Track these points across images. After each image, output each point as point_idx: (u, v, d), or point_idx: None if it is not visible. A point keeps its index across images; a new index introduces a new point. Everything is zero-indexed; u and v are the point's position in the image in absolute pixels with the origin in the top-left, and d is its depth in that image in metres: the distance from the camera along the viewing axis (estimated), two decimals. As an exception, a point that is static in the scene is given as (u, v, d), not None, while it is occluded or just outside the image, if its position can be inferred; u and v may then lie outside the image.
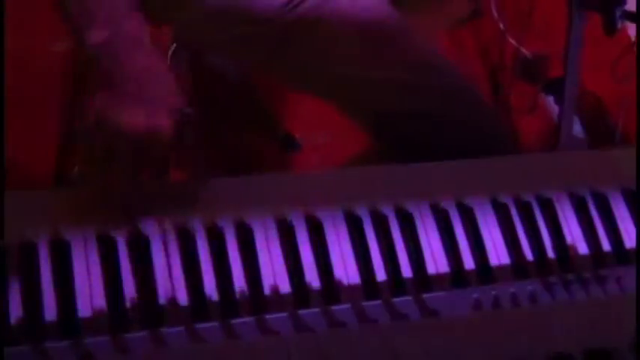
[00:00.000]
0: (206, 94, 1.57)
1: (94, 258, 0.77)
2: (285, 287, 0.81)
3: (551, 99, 1.84)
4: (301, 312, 0.78)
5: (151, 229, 0.79)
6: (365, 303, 0.80)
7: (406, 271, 0.84)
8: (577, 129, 1.87)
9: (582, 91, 1.89)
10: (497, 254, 0.88)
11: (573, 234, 0.91)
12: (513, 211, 0.90)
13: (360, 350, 0.77)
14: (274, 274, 0.81)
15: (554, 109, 1.79)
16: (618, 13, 1.52)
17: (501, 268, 0.87)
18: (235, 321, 0.76)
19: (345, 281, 0.82)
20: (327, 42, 1.03)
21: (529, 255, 0.89)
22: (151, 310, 0.76)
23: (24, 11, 1.54)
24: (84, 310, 0.75)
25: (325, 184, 0.87)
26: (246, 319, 0.77)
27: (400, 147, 1.04)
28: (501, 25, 1.96)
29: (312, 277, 0.82)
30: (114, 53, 0.80)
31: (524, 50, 1.96)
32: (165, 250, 0.79)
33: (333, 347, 0.77)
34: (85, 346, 0.72)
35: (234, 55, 1.18)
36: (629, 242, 0.92)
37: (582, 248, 0.91)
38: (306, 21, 1.02)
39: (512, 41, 1.96)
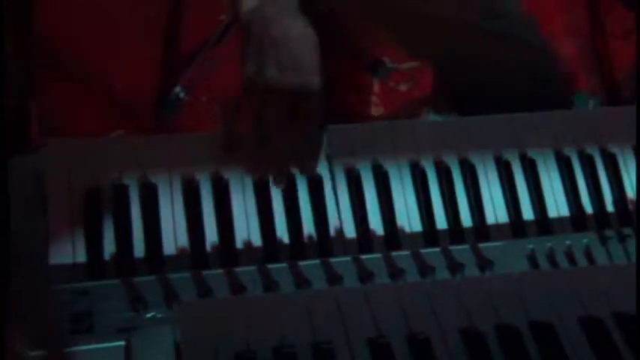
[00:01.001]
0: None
1: (179, 201, 0.85)
2: (350, 232, 0.87)
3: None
4: (364, 257, 0.85)
5: (230, 175, 0.87)
6: (424, 250, 0.86)
7: (466, 220, 0.90)
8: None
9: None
10: (557, 206, 0.92)
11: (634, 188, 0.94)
12: (576, 164, 0.93)
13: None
14: (341, 221, 0.88)
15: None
16: None
17: (560, 220, 0.91)
18: (302, 263, 0.83)
19: (406, 229, 0.88)
20: None
21: (588, 208, 0.93)
22: (228, 251, 0.84)
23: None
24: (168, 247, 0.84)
25: (392, 135, 0.92)
26: (312, 261, 0.84)
27: (462, 92, 1.08)
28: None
29: (375, 224, 0.88)
30: (266, 19, 0.87)
31: (625, -27, 1.91)
32: (243, 195, 0.87)
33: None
34: (169, 280, 0.80)
35: None
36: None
37: (643, 202, 0.94)
38: None
39: (614, -36, 1.92)
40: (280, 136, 0.86)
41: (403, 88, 1.69)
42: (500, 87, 1.06)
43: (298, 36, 0.89)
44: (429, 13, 1.06)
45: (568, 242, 0.89)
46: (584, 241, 0.89)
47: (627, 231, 0.90)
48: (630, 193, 0.94)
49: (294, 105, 0.86)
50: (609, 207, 0.93)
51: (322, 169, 0.88)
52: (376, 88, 1.72)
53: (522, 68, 1.07)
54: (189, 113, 1.53)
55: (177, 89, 1.51)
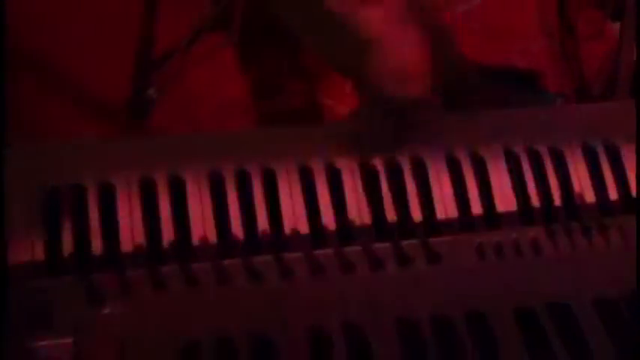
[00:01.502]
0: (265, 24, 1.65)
1: (136, 199, 0.88)
2: (304, 229, 0.90)
3: (617, 26, 1.84)
4: (317, 252, 0.88)
5: (187, 175, 0.90)
6: (376, 245, 0.89)
7: (416, 215, 0.93)
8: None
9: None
10: (505, 201, 0.95)
11: (582, 183, 0.97)
12: (524, 161, 0.96)
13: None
14: (295, 216, 0.90)
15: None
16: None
17: (508, 214, 0.94)
18: (256, 258, 0.86)
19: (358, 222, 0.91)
20: None
21: (536, 202, 0.96)
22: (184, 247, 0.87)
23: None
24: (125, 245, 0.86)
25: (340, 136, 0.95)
26: (267, 256, 0.87)
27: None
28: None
29: (328, 219, 0.91)
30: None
31: (594, -25, 1.95)
32: (199, 194, 0.89)
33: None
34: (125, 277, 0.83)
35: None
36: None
37: (589, 197, 0.97)
38: None
39: (583, -35, 1.96)
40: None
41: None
42: None
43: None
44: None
45: (514, 236, 0.91)
46: (531, 235, 0.92)
47: (574, 225, 0.93)
48: (577, 187, 0.96)
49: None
50: (557, 202, 0.96)
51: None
52: (348, 89, 1.75)
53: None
54: (162, 114, 1.56)
55: (151, 90, 1.54)
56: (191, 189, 0.89)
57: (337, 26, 0.95)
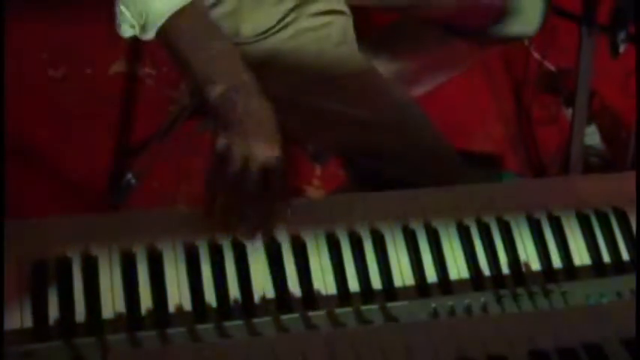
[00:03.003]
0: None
1: (117, 271, 0.96)
2: (270, 294, 0.98)
3: (570, 111, 1.97)
4: (283, 317, 0.95)
5: (163, 246, 0.98)
6: (338, 310, 0.97)
7: (376, 282, 1.01)
8: (596, 140, 2.00)
9: (602, 106, 2.01)
10: (458, 269, 1.03)
11: (527, 252, 1.06)
12: (474, 232, 1.05)
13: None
14: (263, 284, 0.98)
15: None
16: (621, 38, 1.63)
17: (460, 281, 1.03)
18: (229, 323, 0.94)
19: (323, 291, 0.99)
20: (294, 73, 1.18)
21: (486, 271, 1.04)
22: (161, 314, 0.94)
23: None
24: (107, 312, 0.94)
25: (310, 210, 1.04)
26: (238, 322, 0.94)
27: (367, 179, 1.21)
28: (526, 41, 2.08)
29: (294, 287, 0.99)
30: (233, 101, 1.00)
31: (547, 64, 2.08)
32: (175, 264, 0.97)
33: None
34: (107, 341, 0.90)
35: None
36: (578, 260, 1.06)
37: (535, 265, 1.05)
38: (279, 50, 1.17)
39: (537, 55, 2.09)
40: (251, 203, 0.99)
41: (342, 172, 1.82)
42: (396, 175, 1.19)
43: (263, 113, 1.02)
44: (324, 110, 1.19)
45: (467, 301, 1.00)
46: (482, 299, 1.00)
47: (520, 290, 1.01)
48: (523, 256, 1.05)
49: (263, 174, 0.99)
50: (504, 269, 1.04)
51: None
52: (318, 172, 1.85)
53: (416, 157, 1.20)
54: (140, 198, 1.64)
55: (129, 176, 1.63)
56: (167, 260, 0.97)
57: None
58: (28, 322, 0.91)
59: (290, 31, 1.17)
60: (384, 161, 1.21)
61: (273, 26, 1.17)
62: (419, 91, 1.57)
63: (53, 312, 0.92)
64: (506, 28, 1.36)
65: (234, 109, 1.01)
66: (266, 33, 1.17)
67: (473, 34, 1.39)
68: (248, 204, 0.99)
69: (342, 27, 1.21)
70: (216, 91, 1.01)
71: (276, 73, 1.18)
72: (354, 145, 1.22)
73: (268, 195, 1.00)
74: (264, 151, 1.00)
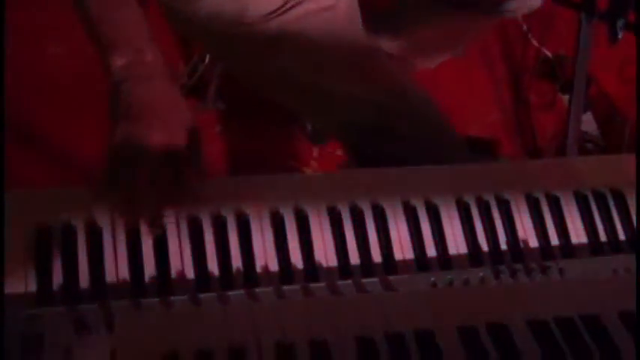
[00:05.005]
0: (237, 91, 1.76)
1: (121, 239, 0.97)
2: (274, 266, 0.99)
3: (566, 98, 1.98)
4: (285, 287, 0.96)
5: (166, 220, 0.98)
6: (340, 282, 0.98)
7: (376, 256, 1.02)
8: (592, 126, 2.01)
9: (598, 93, 2.03)
10: (457, 245, 1.05)
11: (526, 230, 1.07)
12: (473, 209, 1.07)
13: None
14: (266, 256, 0.99)
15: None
16: (620, 24, 1.65)
17: (459, 256, 1.04)
18: (231, 292, 0.95)
19: (323, 264, 1.00)
20: (302, 55, 1.18)
21: (485, 247, 1.05)
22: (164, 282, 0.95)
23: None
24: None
25: (314, 185, 1.05)
26: (239, 291, 0.95)
27: (366, 158, 1.22)
28: (525, 27, 2.10)
29: (296, 259, 1.00)
30: (135, 78, 0.97)
31: (545, 51, 2.10)
32: (178, 236, 0.98)
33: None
34: (110, 307, 0.91)
35: (218, 56, 1.33)
36: (575, 238, 1.08)
37: (533, 242, 1.07)
38: (287, 31, 1.17)
39: (535, 42, 2.10)
40: (150, 191, 0.94)
41: (340, 152, 1.83)
42: (399, 156, 1.20)
43: (165, 98, 0.98)
44: (334, 91, 1.19)
45: (466, 276, 1.01)
46: (480, 274, 1.01)
47: (518, 266, 1.02)
48: (521, 233, 1.06)
49: (162, 163, 0.94)
50: (503, 246, 1.05)
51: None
52: (315, 153, 1.86)
53: (421, 140, 1.21)
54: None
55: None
56: (171, 230, 0.98)
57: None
58: (32, 287, 0.92)
59: (296, 12, 1.18)
60: (386, 142, 1.22)
61: (279, 8, 1.17)
62: (425, 64, 1.58)
63: (57, 278, 0.93)
64: (513, 2, 1.37)
65: (137, 89, 0.96)
66: (272, 14, 1.17)
67: (479, 7, 1.39)
68: (142, 194, 0.94)
69: (347, 8, 1.22)
70: (119, 60, 0.97)
71: (284, 55, 1.19)
72: (357, 125, 1.23)
73: (163, 185, 0.95)
74: (162, 138, 0.94)
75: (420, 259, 1.03)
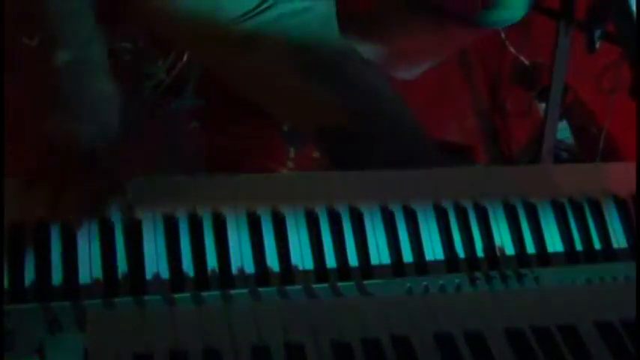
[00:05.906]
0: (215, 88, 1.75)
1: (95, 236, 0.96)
2: (249, 268, 0.98)
3: (542, 106, 1.99)
4: (261, 289, 0.96)
5: (143, 216, 0.97)
6: (315, 285, 0.98)
7: (353, 260, 1.01)
8: (566, 134, 2.03)
9: (575, 101, 2.04)
10: (434, 251, 1.04)
11: (502, 237, 1.07)
12: (451, 215, 1.06)
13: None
14: (242, 257, 0.99)
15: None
16: (597, 34, 1.66)
17: (435, 262, 1.04)
18: (206, 293, 0.94)
19: (300, 266, 1.00)
20: (278, 56, 1.18)
21: (461, 253, 1.05)
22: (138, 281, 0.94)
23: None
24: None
25: (292, 186, 1.04)
26: (214, 292, 0.94)
27: (340, 160, 1.22)
28: (502, 34, 2.10)
29: (272, 261, 0.99)
30: (76, 76, 0.96)
31: (522, 58, 2.10)
32: (153, 234, 0.97)
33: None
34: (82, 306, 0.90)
35: (195, 54, 1.32)
36: (551, 247, 1.08)
37: (509, 249, 1.07)
38: (262, 32, 1.17)
39: (512, 49, 2.11)
40: (79, 185, 0.94)
41: (316, 154, 1.83)
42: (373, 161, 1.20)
43: (101, 93, 0.99)
44: (308, 94, 1.19)
45: (442, 282, 1.01)
46: (456, 280, 1.01)
47: (493, 273, 1.03)
48: (498, 241, 1.06)
49: (92, 156, 0.95)
50: (479, 253, 1.06)
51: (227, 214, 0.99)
52: (292, 154, 1.86)
53: (394, 145, 1.21)
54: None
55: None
56: (147, 228, 0.97)
57: None
58: (6, 284, 0.90)
59: (272, 13, 1.17)
60: (360, 147, 1.22)
61: (255, 8, 1.17)
62: (405, 75, 1.58)
63: (30, 275, 0.91)
64: (495, 14, 1.38)
65: (77, 84, 0.97)
66: (247, 14, 1.17)
67: (462, 19, 1.40)
68: (70, 188, 0.94)
69: (323, 12, 1.22)
70: (62, 57, 0.97)
71: (259, 55, 1.19)
72: (332, 129, 1.23)
73: (92, 181, 0.95)
74: (92, 135, 0.95)
75: (397, 265, 1.02)
